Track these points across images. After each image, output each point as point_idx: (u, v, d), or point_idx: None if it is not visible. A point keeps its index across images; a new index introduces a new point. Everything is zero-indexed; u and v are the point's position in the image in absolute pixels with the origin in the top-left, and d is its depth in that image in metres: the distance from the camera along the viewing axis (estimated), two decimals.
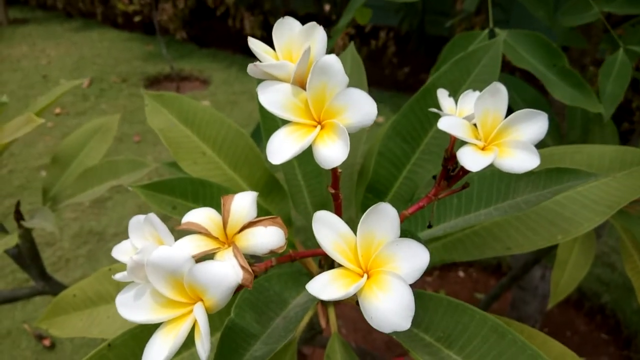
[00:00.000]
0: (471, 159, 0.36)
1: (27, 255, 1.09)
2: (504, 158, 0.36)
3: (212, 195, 0.57)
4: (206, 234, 0.36)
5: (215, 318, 0.50)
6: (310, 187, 0.65)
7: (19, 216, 1.06)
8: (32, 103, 1.16)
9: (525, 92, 1.06)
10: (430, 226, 0.46)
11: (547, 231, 0.57)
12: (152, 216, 0.34)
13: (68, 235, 2.68)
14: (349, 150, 0.34)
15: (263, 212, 0.62)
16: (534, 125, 0.38)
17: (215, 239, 0.36)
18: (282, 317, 0.46)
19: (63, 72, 4.95)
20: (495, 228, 0.60)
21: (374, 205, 0.33)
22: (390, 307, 0.31)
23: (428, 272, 2.44)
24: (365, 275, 0.33)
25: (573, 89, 0.77)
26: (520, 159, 0.36)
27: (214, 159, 0.66)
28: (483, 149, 0.38)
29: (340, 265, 0.34)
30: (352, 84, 0.74)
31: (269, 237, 0.34)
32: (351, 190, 0.69)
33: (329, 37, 0.76)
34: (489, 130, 0.38)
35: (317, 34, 0.37)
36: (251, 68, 0.36)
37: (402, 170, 0.62)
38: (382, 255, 0.33)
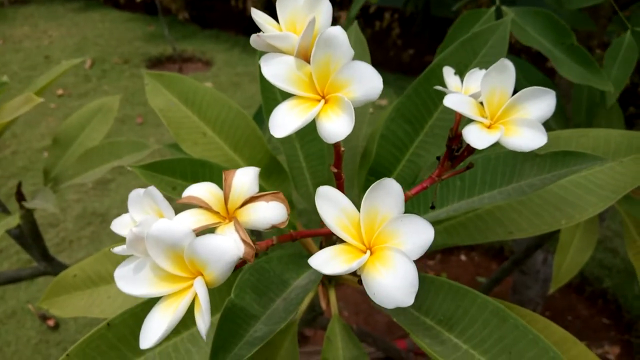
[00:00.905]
0: (477, 137, 0.35)
1: (29, 235, 1.09)
2: (510, 136, 0.36)
3: (212, 175, 0.57)
4: (207, 208, 0.36)
5: (216, 299, 0.50)
6: (312, 169, 0.65)
7: (20, 197, 1.06)
8: (32, 83, 1.15)
9: (532, 74, 1.05)
10: (433, 207, 0.45)
11: (551, 216, 0.56)
12: (152, 189, 0.34)
13: (71, 216, 2.69)
14: (353, 124, 0.33)
15: None
16: (542, 103, 0.37)
17: (216, 213, 0.36)
18: (283, 298, 0.46)
19: (65, 52, 4.92)
20: (498, 212, 0.60)
21: (378, 181, 0.32)
22: (393, 282, 0.30)
23: (430, 255, 2.44)
24: (368, 252, 0.33)
25: (581, 66, 0.76)
26: (527, 137, 0.35)
27: (214, 140, 0.66)
28: (489, 127, 0.37)
29: (342, 242, 0.33)
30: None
31: (271, 212, 0.34)
32: (353, 172, 0.69)
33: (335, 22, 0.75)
34: (496, 109, 0.38)
35: (322, 6, 0.36)
36: (254, 39, 0.36)
37: (405, 153, 0.61)
38: (386, 231, 0.33)
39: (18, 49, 4.98)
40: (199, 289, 0.30)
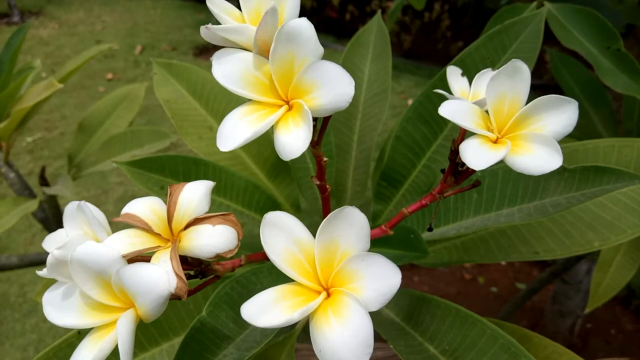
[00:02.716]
0: (474, 154, 0.29)
1: (53, 220, 1.09)
2: (517, 155, 0.29)
3: (207, 175, 0.53)
4: (146, 229, 0.31)
5: (184, 317, 0.46)
6: None
7: (43, 182, 1.06)
8: (62, 67, 1.16)
9: (579, 72, 0.96)
10: (430, 229, 0.40)
11: (583, 236, 0.50)
12: (84, 204, 0.29)
13: (112, 198, 2.74)
14: (310, 139, 0.28)
15: (269, 198, 0.57)
16: (561, 115, 0.30)
17: (157, 235, 0.31)
18: None
19: (117, 38, 5.03)
20: (523, 228, 0.53)
21: (338, 209, 0.27)
22: (342, 339, 0.25)
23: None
24: (323, 294, 0.27)
25: (627, 75, 0.67)
26: (538, 157, 0.29)
27: None
28: (496, 142, 0.31)
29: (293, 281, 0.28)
30: (375, 55, 0.67)
31: (215, 238, 0.29)
32: (366, 176, 0.64)
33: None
34: (504, 120, 0.31)
35: None
36: (204, 32, 0.31)
37: (422, 157, 0.55)
38: (344, 271, 0.27)
39: (72, 33, 5.13)
40: (122, 324, 0.25)
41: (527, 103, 0.31)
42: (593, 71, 0.97)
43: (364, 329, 0.25)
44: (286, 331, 0.56)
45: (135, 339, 0.46)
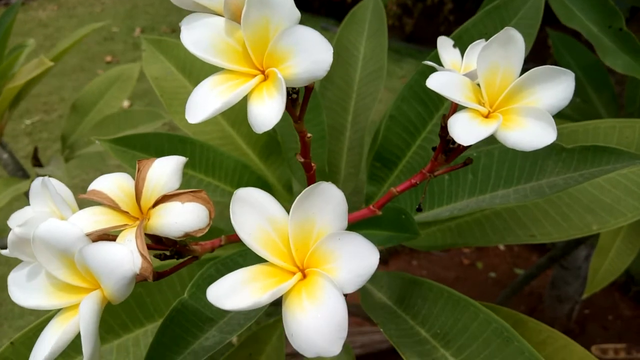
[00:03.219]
0: (463, 129, 0.27)
1: None
2: (509, 130, 0.28)
3: (194, 154, 0.51)
4: (112, 206, 0.29)
5: (170, 299, 0.45)
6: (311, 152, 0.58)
7: (36, 162, 1.04)
8: (55, 46, 1.14)
9: (581, 54, 0.94)
10: (419, 209, 0.38)
11: (581, 219, 0.48)
12: (48, 180, 0.28)
13: None
14: (283, 110, 0.27)
15: (259, 178, 0.56)
16: (556, 87, 0.28)
17: (125, 213, 0.30)
18: None
19: (116, 20, 4.98)
20: (519, 210, 0.52)
21: (314, 184, 0.26)
22: (316, 322, 0.23)
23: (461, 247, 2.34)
24: (298, 275, 0.26)
25: (629, 55, 0.64)
26: (531, 132, 0.27)
27: None
28: (487, 116, 0.29)
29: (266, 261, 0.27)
30: (370, 32, 0.65)
31: (184, 217, 0.27)
32: (360, 157, 0.62)
33: None
34: (496, 93, 0.30)
35: None
36: None
37: (417, 137, 0.54)
38: (320, 251, 0.26)
39: (72, 15, 5.08)
40: (84, 307, 0.24)
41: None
42: (595, 54, 0.95)
43: (338, 312, 0.23)
44: (278, 313, 0.55)
45: (119, 320, 0.46)
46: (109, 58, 4.23)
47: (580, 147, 0.39)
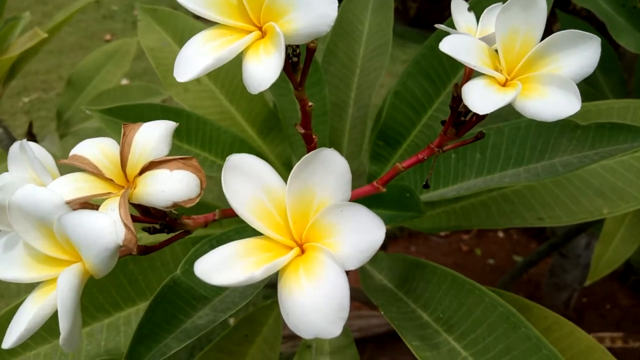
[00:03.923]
0: (478, 96, 0.25)
1: None
2: (529, 98, 0.25)
3: (190, 127, 0.49)
4: (95, 173, 0.27)
5: (163, 276, 0.43)
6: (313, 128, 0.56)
7: (31, 138, 1.02)
8: (51, 19, 1.11)
9: None
10: (427, 186, 0.36)
11: (591, 202, 0.46)
12: (26, 143, 0.26)
13: None
14: (281, 68, 0.25)
15: (257, 154, 0.54)
16: (581, 53, 0.26)
17: (109, 181, 0.27)
18: None
19: None
20: (528, 193, 0.50)
21: (315, 151, 0.24)
22: (314, 300, 0.21)
23: (466, 229, 2.33)
24: (295, 250, 0.24)
25: None
26: (553, 101, 0.25)
27: (209, 88, 0.58)
28: (504, 84, 0.27)
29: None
30: (376, 6, 0.63)
31: (173, 185, 0.25)
32: (363, 135, 0.60)
33: None
34: (515, 60, 0.27)
35: None
36: None
37: (422, 115, 0.52)
38: (320, 224, 0.23)
39: None
40: (62, 281, 0.22)
41: None
42: (604, 36, 0.92)
43: (339, 290, 0.21)
44: (275, 295, 0.54)
45: (110, 298, 0.44)
46: (108, 36, 4.18)
47: (596, 125, 0.37)
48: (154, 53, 0.57)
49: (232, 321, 1.26)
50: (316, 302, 0.21)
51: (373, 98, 0.58)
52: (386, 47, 0.59)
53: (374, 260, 0.49)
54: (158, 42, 0.58)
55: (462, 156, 0.45)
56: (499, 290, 0.47)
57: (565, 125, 0.39)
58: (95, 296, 0.42)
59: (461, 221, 0.51)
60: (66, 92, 1.06)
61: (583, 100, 0.79)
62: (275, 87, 0.55)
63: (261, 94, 0.58)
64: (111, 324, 0.41)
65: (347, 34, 0.59)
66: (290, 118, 0.55)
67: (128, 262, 0.43)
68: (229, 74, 0.58)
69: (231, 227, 0.42)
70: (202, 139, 0.50)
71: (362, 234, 0.22)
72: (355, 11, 0.62)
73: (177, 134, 0.49)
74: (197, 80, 0.58)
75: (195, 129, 0.49)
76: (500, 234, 2.35)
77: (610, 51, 0.95)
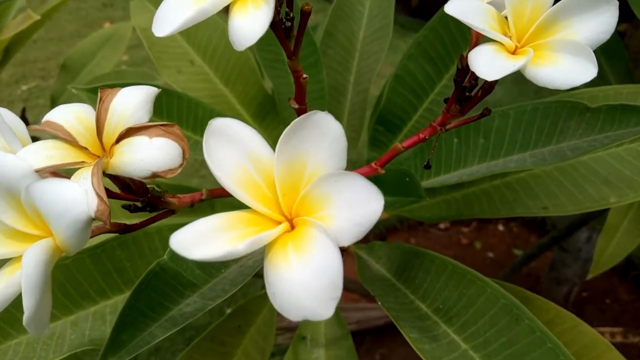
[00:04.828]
0: (487, 62, 0.23)
1: None
2: (540, 65, 0.24)
3: (180, 109, 0.47)
4: (69, 140, 0.26)
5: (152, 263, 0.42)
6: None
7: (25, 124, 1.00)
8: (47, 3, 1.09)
9: None
10: (428, 166, 0.34)
11: (598, 191, 0.45)
12: None
13: None
14: (269, 23, 0.23)
15: None
16: (596, 18, 0.24)
17: (84, 149, 0.26)
18: (240, 264, 0.37)
19: None
20: (532, 181, 0.48)
21: (306, 114, 0.22)
22: (303, 279, 0.19)
23: (465, 221, 2.32)
24: (284, 225, 0.22)
25: None
26: (566, 67, 0.23)
27: (203, 70, 0.56)
28: (514, 52, 0.25)
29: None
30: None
31: (152, 153, 0.23)
32: (362, 121, 0.58)
33: None
34: (526, 26, 0.25)
35: None
36: None
37: (424, 99, 0.50)
38: (312, 195, 0.21)
39: None
40: (27, 257, 0.20)
41: None
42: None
43: (331, 267, 0.19)
44: None
45: (95, 285, 0.42)
46: (107, 24, 4.15)
47: (607, 107, 0.35)
48: (146, 33, 0.55)
49: (229, 311, 1.25)
50: (305, 279, 0.19)
51: (372, 88, 0.56)
52: (387, 29, 0.57)
53: (371, 249, 0.47)
54: (151, 22, 0.56)
55: (464, 141, 0.43)
56: (501, 282, 0.45)
57: (573, 108, 0.37)
58: (80, 283, 0.40)
59: (462, 210, 0.49)
60: (60, 77, 1.04)
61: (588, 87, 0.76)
62: (272, 69, 0.53)
63: (257, 75, 0.57)
64: (97, 313, 0.40)
65: (346, 14, 0.57)
66: (286, 102, 0.53)
67: (115, 247, 0.41)
68: (224, 55, 0.56)
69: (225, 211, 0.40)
70: (194, 122, 0.48)
71: (358, 205, 0.20)
72: None
73: (168, 116, 0.47)
74: (191, 62, 0.56)
75: (187, 110, 0.47)
76: (500, 227, 2.34)
77: (616, 38, 0.93)
